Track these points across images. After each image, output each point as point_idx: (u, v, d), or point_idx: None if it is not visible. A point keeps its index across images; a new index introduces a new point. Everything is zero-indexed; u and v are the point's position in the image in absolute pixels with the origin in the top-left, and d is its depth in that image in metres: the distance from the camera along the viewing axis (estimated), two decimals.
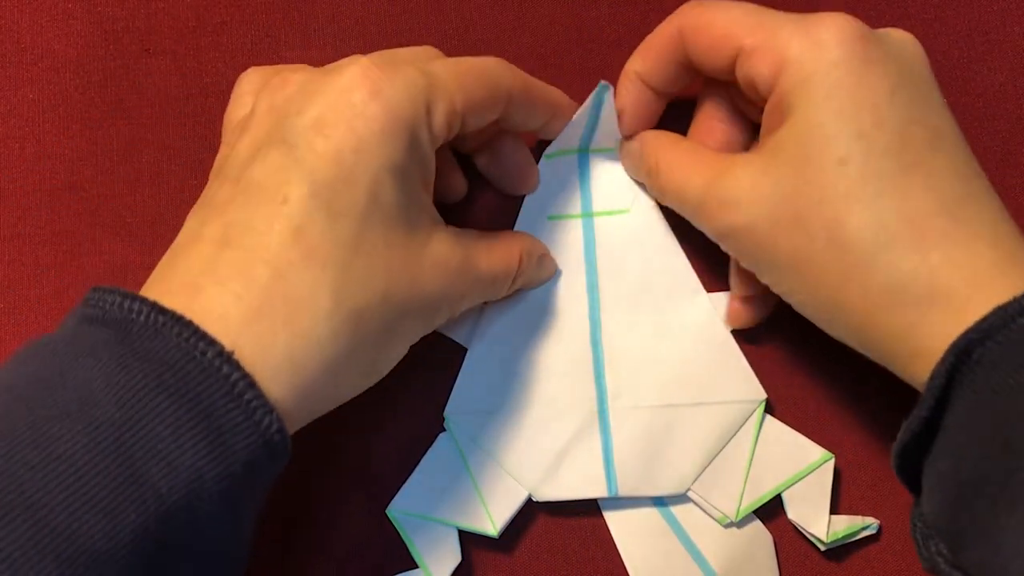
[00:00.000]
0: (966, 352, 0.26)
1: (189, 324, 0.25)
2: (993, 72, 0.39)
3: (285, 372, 0.26)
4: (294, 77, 0.30)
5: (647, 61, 0.34)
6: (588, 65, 0.38)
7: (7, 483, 0.23)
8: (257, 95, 0.30)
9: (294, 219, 0.27)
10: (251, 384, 0.25)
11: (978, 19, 0.39)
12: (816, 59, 0.29)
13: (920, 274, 0.28)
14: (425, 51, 0.33)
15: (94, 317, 0.26)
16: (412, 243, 0.29)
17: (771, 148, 0.30)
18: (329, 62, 0.38)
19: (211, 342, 0.25)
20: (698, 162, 0.33)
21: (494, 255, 0.33)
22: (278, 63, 0.38)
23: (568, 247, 0.36)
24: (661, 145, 0.35)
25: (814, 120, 0.29)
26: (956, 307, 0.27)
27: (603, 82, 0.34)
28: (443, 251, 0.30)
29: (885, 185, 0.29)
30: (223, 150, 0.31)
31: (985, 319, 0.26)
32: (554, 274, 0.36)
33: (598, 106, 0.35)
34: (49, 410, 0.24)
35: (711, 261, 0.36)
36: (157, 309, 0.26)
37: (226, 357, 0.25)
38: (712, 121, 0.35)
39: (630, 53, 0.38)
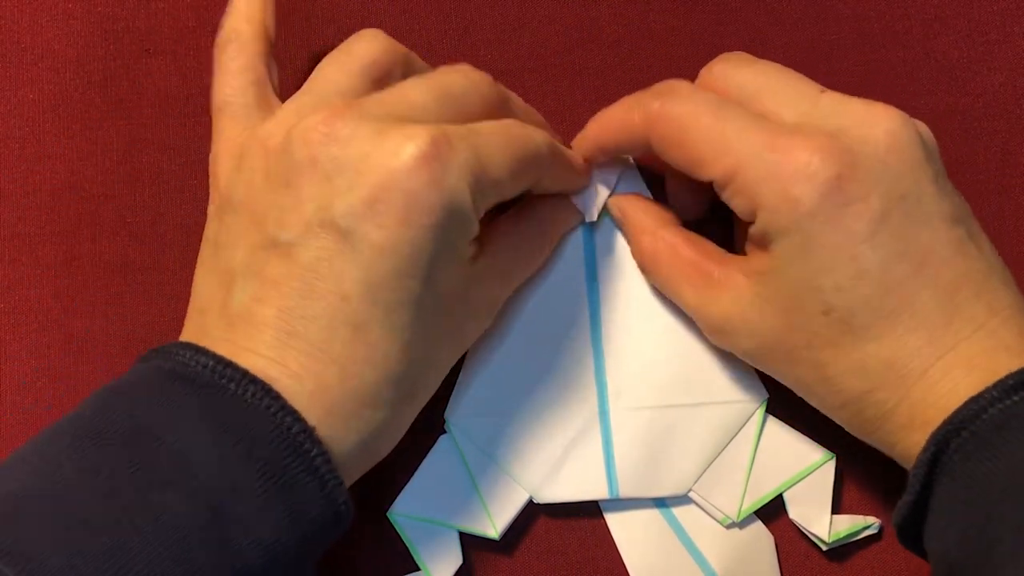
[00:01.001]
0: (945, 442, 0.28)
1: (278, 398, 0.27)
2: (993, 72, 0.39)
3: (355, 456, 0.29)
4: (341, 129, 0.28)
5: (605, 138, 0.34)
6: (588, 65, 0.38)
7: (115, 544, 0.24)
8: (293, 130, 0.29)
9: (356, 317, 0.28)
10: (328, 460, 0.27)
11: (978, 19, 0.39)
12: (789, 213, 0.29)
13: (902, 408, 0.30)
14: (466, 100, 0.31)
15: (183, 376, 0.27)
16: (460, 306, 0.31)
17: (757, 283, 0.31)
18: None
19: (297, 418, 0.27)
20: (684, 268, 0.33)
21: (524, 257, 0.34)
22: (278, 62, 0.38)
23: (568, 248, 0.36)
24: (640, 230, 0.35)
25: (794, 273, 0.30)
26: (936, 426, 0.29)
27: None
28: (483, 298, 0.32)
29: (867, 334, 0.29)
30: (251, 169, 0.30)
31: (958, 412, 0.28)
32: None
33: None
34: (151, 474, 0.25)
35: None
36: (248, 378, 0.27)
37: (309, 433, 0.27)
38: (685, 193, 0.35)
39: (630, 53, 0.38)
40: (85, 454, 0.26)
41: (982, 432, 0.27)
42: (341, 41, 0.38)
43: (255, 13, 0.33)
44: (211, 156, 0.32)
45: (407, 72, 0.32)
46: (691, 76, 0.38)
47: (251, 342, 0.28)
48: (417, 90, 0.30)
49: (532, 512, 0.36)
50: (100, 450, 0.26)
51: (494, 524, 0.35)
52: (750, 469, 0.35)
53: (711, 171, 0.30)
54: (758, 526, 0.36)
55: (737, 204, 0.31)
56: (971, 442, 0.28)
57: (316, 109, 0.29)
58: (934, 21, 0.39)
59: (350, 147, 0.28)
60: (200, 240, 0.37)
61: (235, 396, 0.27)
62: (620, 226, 0.36)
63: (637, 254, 0.35)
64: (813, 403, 0.32)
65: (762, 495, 0.35)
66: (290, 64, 0.38)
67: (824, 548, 0.35)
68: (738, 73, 0.32)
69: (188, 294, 0.37)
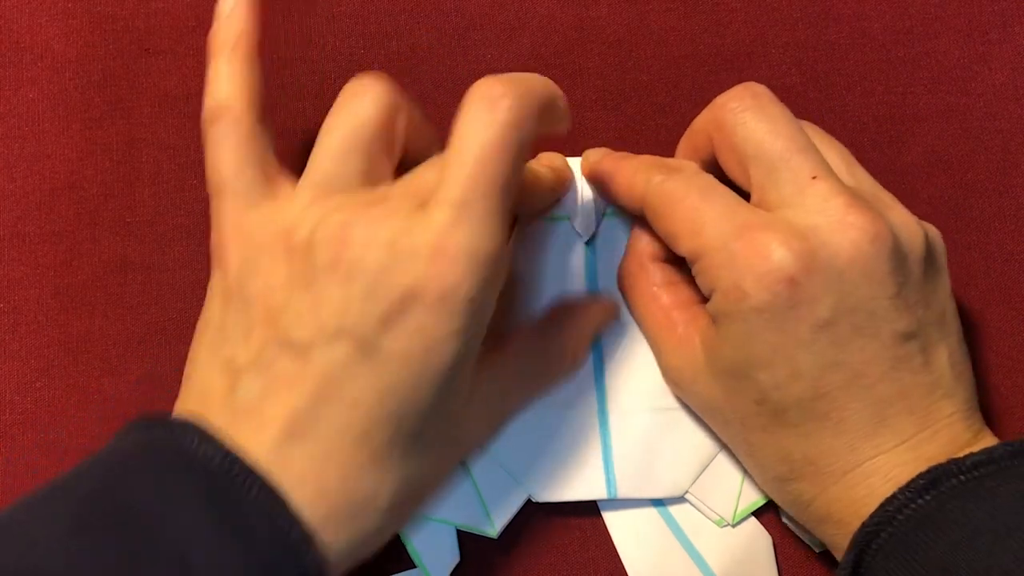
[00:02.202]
0: (866, 543, 0.29)
1: (281, 502, 0.27)
2: (993, 72, 0.39)
3: (346, 557, 0.28)
4: (361, 234, 0.27)
5: (611, 186, 0.35)
6: (588, 65, 0.38)
7: None
8: (316, 231, 0.28)
9: (362, 424, 0.27)
10: (321, 565, 0.27)
11: (978, 19, 0.39)
12: (738, 303, 0.30)
13: (819, 502, 0.31)
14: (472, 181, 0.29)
15: (188, 462, 0.27)
16: (463, 417, 0.30)
17: (707, 353, 0.32)
18: (329, 63, 0.38)
19: (297, 523, 0.27)
20: (654, 309, 0.34)
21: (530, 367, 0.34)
22: (278, 63, 0.38)
23: (568, 249, 0.36)
24: (632, 250, 0.35)
25: (736, 358, 0.31)
26: (849, 528, 0.30)
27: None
28: (492, 410, 0.32)
29: (795, 430, 0.30)
30: (271, 264, 0.29)
31: (875, 514, 0.29)
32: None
33: None
34: (147, 570, 0.25)
35: None
36: (254, 477, 0.27)
37: (308, 541, 0.27)
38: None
39: (629, 54, 0.38)
40: (79, 538, 0.25)
41: (900, 533, 0.28)
42: (341, 41, 0.38)
43: (244, 80, 0.31)
44: (214, 239, 0.31)
45: (409, 120, 0.31)
46: (691, 76, 0.38)
47: (254, 438, 0.27)
48: (432, 172, 0.29)
49: (530, 510, 0.36)
50: (94, 537, 0.25)
51: (493, 523, 0.35)
52: (745, 473, 0.35)
53: (683, 247, 0.32)
54: (756, 527, 0.36)
55: (700, 282, 0.31)
56: (890, 543, 0.29)
57: (340, 207, 0.28)
58: (934, 21, 0.39)
59: (369, 254, 0.27)
60: (199, 240, 0.37)
61: (239, 493, 0.26)
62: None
63: (620, 269, 0.36)
64: (744, 467, 0.35)
65: (757, 498, 0.35)
66: (291, 66, 0.38)
67: (818, 550, 0.35)
68: (745, 127, 0.31)
69: (188, 294, 0.37)
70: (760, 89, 0.32)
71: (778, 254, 0.29)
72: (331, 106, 0.38)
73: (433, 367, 0.27)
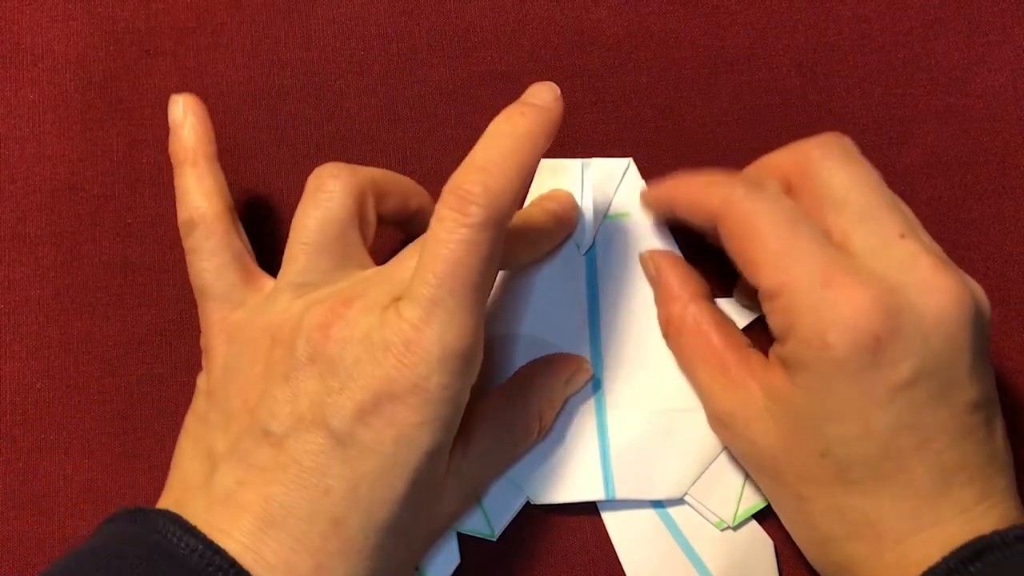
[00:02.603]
0: None
1: None
2: (993, 72, 0.39)
3: None
4: (339, 331, 0.29)
5: (679, 202, 0.34)
6: (588, 67, 0.38)
7: None
8: (298, 327, 0.29)
9: (335, 512, 0.28)
10: None
11: (978, 19, 0.39)
12: (820, 353, 0.29)
13: (870, 564, 0.30)
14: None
15: (169, 554, 0.27)
16: (441, 498, 0.31)
17: (769, 399, 0.31)
18: (329, 63, 0.38)
19: None
20: (704, 351, 0.33)
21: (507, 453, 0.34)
22: (278, 63, 0.38)
23: (569, 250, 0.36)
24: (672, 296, 0.35)
25: (805, 408, 0.30)
26: None
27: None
28: (466, 487, 0.32)
29: (857, 488, 0.30)
30: (252, 357, 0.30)
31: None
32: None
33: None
34: None
35: (711, 266, 0.36)
36: (234, 570, 0.27)
37: None
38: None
39: (629, 56, 0.38)
40: None
41: None
42: (341, 42, 0.38)
43: (208, 189, 0.33)
44: (202, 337, 0.32)
45: (379, 195, 0.33)
46: (691, 78, 0.38)
47: (229, 525, 0.28)
48: (411, 261, 0.30)
49: (529, 512, 0.36)
50: None
51: (491, 525, 0.35)
52: (746, 475, 0.35)
53: (763, 280, 0.30)
54: (757, 530, 0.35)
55: (774, 320, 0.30)
56: None
57: (319, 302, 0.29)
58: (934, 21, 0.39)
59: (347, 349, 0.28)
60: None
61: None
62: (652, 284, 0.36)
63: (663, 319, 0.35)
64: (786, 527, 0.33)
65: (758, 500, 0.35)
66: (291, 67, 0.38)
67: None
68: (834, 174, 0.31)
69: (188, 294, 0.37)
70: (848, 141, 0.32)
71: (866, 310, 0.28)
72: (331, 107, 0.38)
73: (405, 458, 0.28)
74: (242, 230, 0.33)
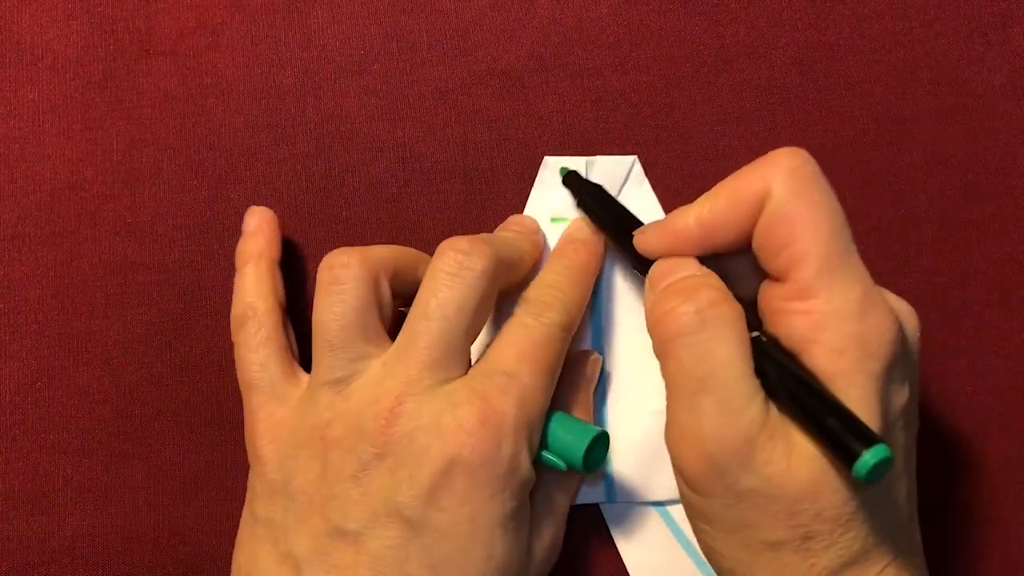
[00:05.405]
0: None
1: None
2: (993, 72, 0.39)
3: None
4: (402, 425, 0.30)
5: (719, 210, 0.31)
6: (588, 66, 0.38)
7: None
8: (355, 426, 0.30)
9: None
10: None
11: (978, 19, 0.39)
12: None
13: None
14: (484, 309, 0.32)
15: None
16: (527, 556, 0.31)
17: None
18: (329, 63, 0.38)
19: None
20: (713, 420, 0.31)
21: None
22: (278, 63, 0.38)
23: None
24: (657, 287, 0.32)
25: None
26: None
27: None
28: (543, 543, 0.33)
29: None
30: (309, 459, 0.31)
31: None
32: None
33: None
34: None
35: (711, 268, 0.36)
36: None
37: None
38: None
39: (629, 54, 0.38)
40: None
41: None
42: (341, 42, 0.38)
43: (266, 286, 0.34)
44: (248, 434, 0.33)
45: (392, 274, 0.33)
46: (691, 77, 0.38)
47: None
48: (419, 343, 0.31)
49: None
50: None
51: None
52: None
53: (798, 271, 0.29)
54: None
55: (785, 288, 0.29)
56: None
57: (368, 404, 0.30)
58: (934, 21, 0.39)
59: (414, 441, 0.29)
60: (199, 240, 0.37)
61: None
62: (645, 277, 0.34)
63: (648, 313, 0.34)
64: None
65: None
66: (291, 67, 0.38)
67: None
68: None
69: (188, 294, 0.37)
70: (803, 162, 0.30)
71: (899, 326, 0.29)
72: (331, 107, 0.38)
73: (482, 536, 0.29)
74: (291, 329, 0.35)
